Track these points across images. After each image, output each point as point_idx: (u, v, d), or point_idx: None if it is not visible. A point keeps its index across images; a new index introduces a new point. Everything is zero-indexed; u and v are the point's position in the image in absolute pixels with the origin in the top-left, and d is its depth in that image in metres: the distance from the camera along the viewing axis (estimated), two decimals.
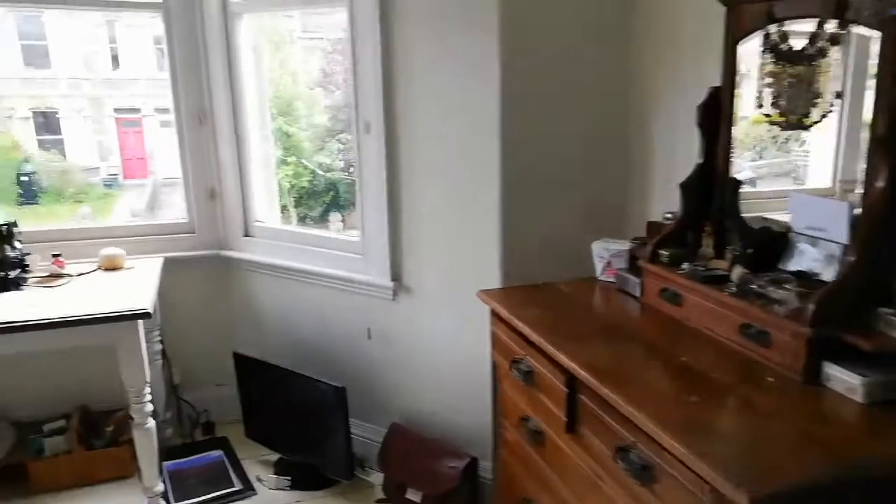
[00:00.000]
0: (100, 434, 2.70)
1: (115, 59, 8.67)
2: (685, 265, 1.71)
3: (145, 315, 2.11)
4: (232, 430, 2.98)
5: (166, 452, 2.73)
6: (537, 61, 2.08)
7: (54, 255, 2.61)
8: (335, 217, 4.00)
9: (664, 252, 1.77)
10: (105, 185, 8.36)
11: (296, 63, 3.97)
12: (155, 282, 2.45)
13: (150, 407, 2.24)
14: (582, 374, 1.42)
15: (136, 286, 2.36)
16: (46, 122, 8.51)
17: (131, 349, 2.15)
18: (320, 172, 4.01)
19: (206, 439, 2.99)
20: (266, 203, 2.97)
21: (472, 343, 2.28)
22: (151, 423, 2.26)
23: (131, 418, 2.24)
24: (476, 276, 2.18)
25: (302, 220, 3.81)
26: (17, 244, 2.40)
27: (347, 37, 2.37)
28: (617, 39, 2.16)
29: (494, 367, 1.98)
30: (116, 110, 8.46)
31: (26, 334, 2.02)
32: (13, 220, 2.41)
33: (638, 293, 1.85)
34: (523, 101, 2.08)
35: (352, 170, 4.01)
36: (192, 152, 2.87)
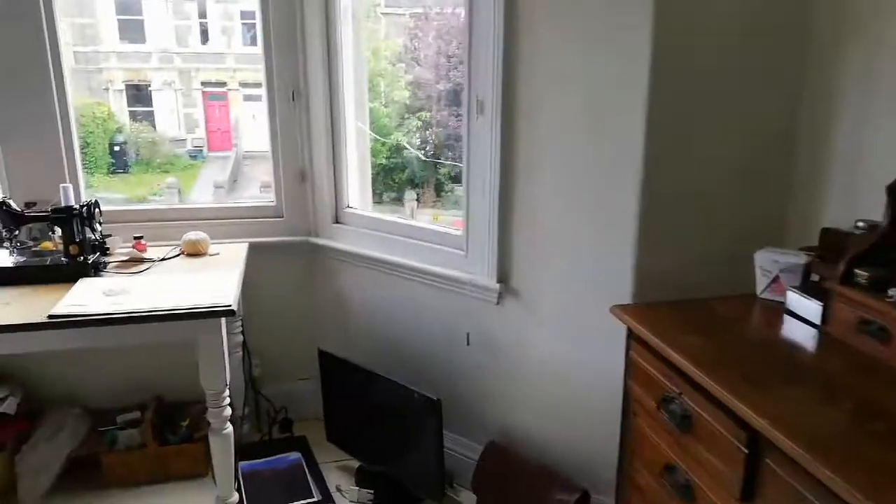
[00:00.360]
0: (175, 429, 2.53)
1: (204, 33, 8.74)
2: (893, 291, 1.34)
3: (229, 312, 1.89)
4: (311, 428, 2.77)
5: (242, 450, 2.55)
6: (694, 53, 1.71)
7: (136, 238, 2.44)
8: (409, 196, 3.79)
9: (862, 272, 1.41)
10: (190, 157, 8.49)
11: (379, 38, 3.76)
12: (239, 271, 2.24)
13: (228, 411, 2.04)
14: (776, 435, 1.08)
15: (219, 276, 2.15)
16: (138, 94, 8.74)
17: (212, 349, 1.94)
18: (412, 150, 3.76)
19: (284, 437, 2.79)
20: (358, 189, 2.73)
21: (590, 362, 1.96)
22: (229, 428, 2.05)
23: (208, 422, 2.04)
24: (601, 286, 1.86)
25: (378, 197, 3.56)
26: (98, 225, 2.23)
27: (465, 5, 2.07)
28: (789, 28, 1.77)
29: (628, 397, 1.66)
30: (204, 84, 8.54)
31: (98, 329, 1.83)
32: (95, 200, 2.23)
33: (818, 320, 1.50)
34: (675, 97, 1.72)
35: (427, 148, 3.73)
36: (283, 130, 2.64)
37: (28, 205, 2.48)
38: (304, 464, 2.63)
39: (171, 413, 2.61)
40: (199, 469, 2.51)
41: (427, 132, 3.54)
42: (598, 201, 1.86)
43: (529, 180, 2.04)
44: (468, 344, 2.32)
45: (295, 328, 2.82)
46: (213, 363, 1.95)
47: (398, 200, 3.63)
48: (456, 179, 3.19)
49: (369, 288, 2.61)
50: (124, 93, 8.86)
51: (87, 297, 1.95)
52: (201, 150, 8.69)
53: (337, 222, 2.70)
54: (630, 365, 1.61)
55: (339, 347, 2.57)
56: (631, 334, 1.60)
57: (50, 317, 1.81)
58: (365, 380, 2.41)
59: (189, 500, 2.41)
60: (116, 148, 7.90)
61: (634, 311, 1.63)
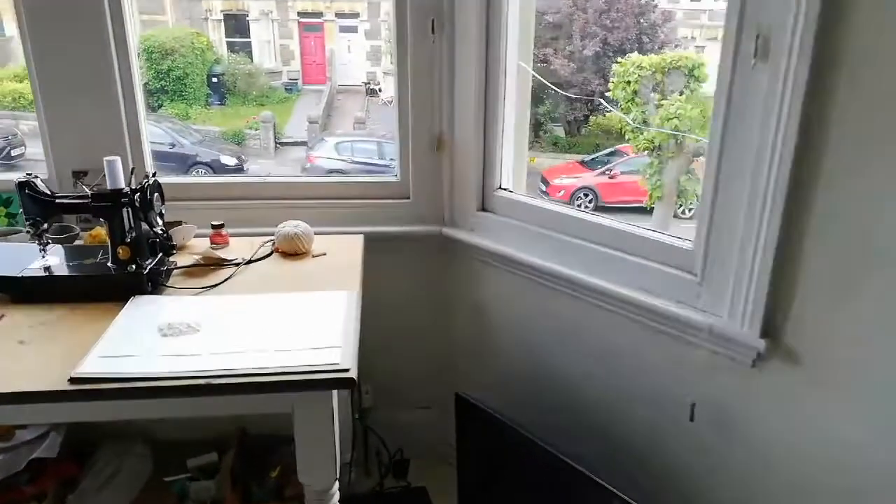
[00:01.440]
0: (261, 479, 1.90)
1: None
2: None
3: (347, 383, 1.17)
4: (432, 476, 2.11)
5: None
6: None
7: (214, 227, 1.76)
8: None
9: None
10: (286, 90, 8.06)
11: None
12: (356, 292, 1.52)
13: None
14: None
15: (328, 306, 1.43)
16: (236, 25, 8.44)
17: (316, 429, 1.24)
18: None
19: (401, 489, 2.13)
20: (512, 163, 1.93)
21: None
22: None
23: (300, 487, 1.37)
24: None
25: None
26: (158, 216, 1.54)
27: None
28: None
29: None
30: (300, 14, 7.92)
31: (144, 402, 1.16)
32: (154, 179, 1.54)
33: None
34: None
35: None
36: (415, 76, 1.86)
37: (77, 175, 1.83)
38: None
39: (257, 454, 1.98)
40: None
41: None
42: None
43: (853, 173, 1.19)
44: (692, 419, 1.53)
45: (416, 347, 2.12)
46: (316, 450, 1.26)
47: None
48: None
49: (528, 307, 1.85)
50: (222, 23, 8.53)
51: (134, 337, 1.28)
52: (296, 83, 8.22)
53: (483, 209, 1.93)
54: None
55: (478, 382, 1.85)
56: None
57: (72, 380, 1.15)
58: (524, 450, 1.67)
59: None
60: (214, 79, 7.48)
61: None
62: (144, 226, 1.51)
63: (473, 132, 1.85)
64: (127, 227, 1.47)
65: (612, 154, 5.07)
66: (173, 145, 6.02)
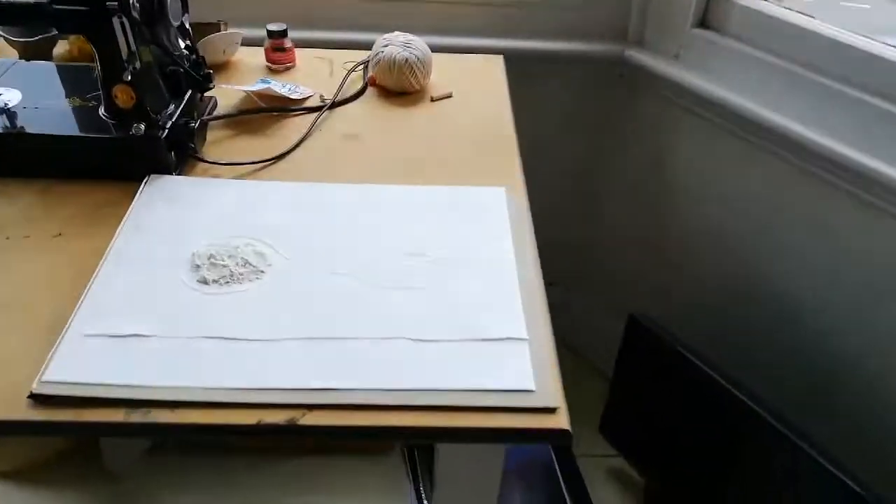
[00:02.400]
0: None
1: None
2: None
3: (562, 437, 0.60)
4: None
5: None
6: None
7: (272, 34, 1.08)
8: None
9: None
10: None
11: None
12: (515, 172, 0.88)
13: None
14: None
15: (480, 217, 0.81)
16: None
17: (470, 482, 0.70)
18: None
19: None
20: None
21: None
22: None
23: None
24: None
25: None
26: (179, 20, 0.87)
27: None
28: None
29: None
30: None
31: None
32: None
33: None
34: None
35: None
36: None
37: None
38: (553, 456, 1.53)
39: None
40: None
41: None
42: None
43: None
44: None
45: (563, 214, 1.51)
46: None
47: None
48: None
49: (749, 189, 1.20)
50: None
51: (147, 285, 0.70)
52: None
53: (703, 25, 1.19)
54: None
55: (651, 283, 1.28)
56: None
57: (34, 397, 0.59)
58: (723, 402, 1.14)
59: None
60: None
61: None
62: (157, 50, 0.85)
63: None
64: (125, 54, 0.81)
65: None
66: None
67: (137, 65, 0.82)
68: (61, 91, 0.93)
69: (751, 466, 1.17)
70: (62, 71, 0.98)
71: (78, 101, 0.90)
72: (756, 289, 1.25)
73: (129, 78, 0.81)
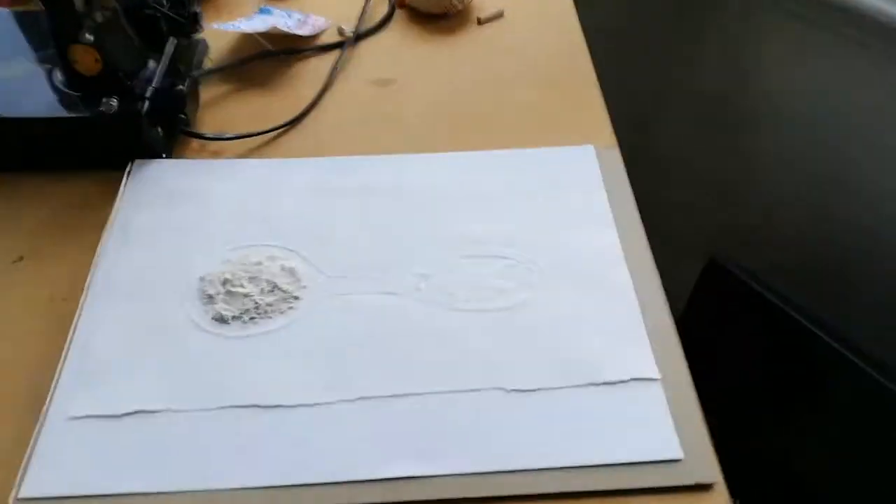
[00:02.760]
0: None
1: None
2: None
3: None
4: None
5: None
6: None
7: None
8: None
9: None
10: None
11: None
12: (604, 125, 0.68)
13: None
14: None
15: (570, 185, 0.63)
16: None
17: None
18: None
19: None
20: None
21: None
22: None
23: None
24: None
25: None
26: None
27: None
28: None
29: None
30: None
31: None
32: None
33: None
34: None
35: None
36: None
37: None
38: None
39: None
40: None
41: None
42: None
43: None
44: None
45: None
46: None
47: None
48: None
49: (856, 106, 0.99)
50: None
51: (139, 326, 0.53)
52: None
53: None
54: None
55: (727, 222, 1.10)
56: None
57: None
58: (812, 350, 0.99)
59: None
60: None
61: None
62: None
63: None
64: (79, 3, 0.60)
65: None
66: None
67: (99, 16, 0.61)
68: (1, 49, 0.72)
69: (841, 418, 1.04)
70: (1, 21, 0.76)
71: (27, 65, 0.69)
72: (854, 221, 1.06)
73: (91, 37, 0.60)
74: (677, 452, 0.46)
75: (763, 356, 1.15)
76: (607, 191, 0.62)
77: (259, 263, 0.56)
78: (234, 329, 0.53)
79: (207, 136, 0.68)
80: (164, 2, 0.67)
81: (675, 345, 0.51)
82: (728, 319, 1.19)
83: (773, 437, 1.14)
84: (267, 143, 0.69)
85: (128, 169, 0.64)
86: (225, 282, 0.55)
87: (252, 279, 0.55)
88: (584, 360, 0.50)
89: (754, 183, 1.18)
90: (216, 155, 0.67)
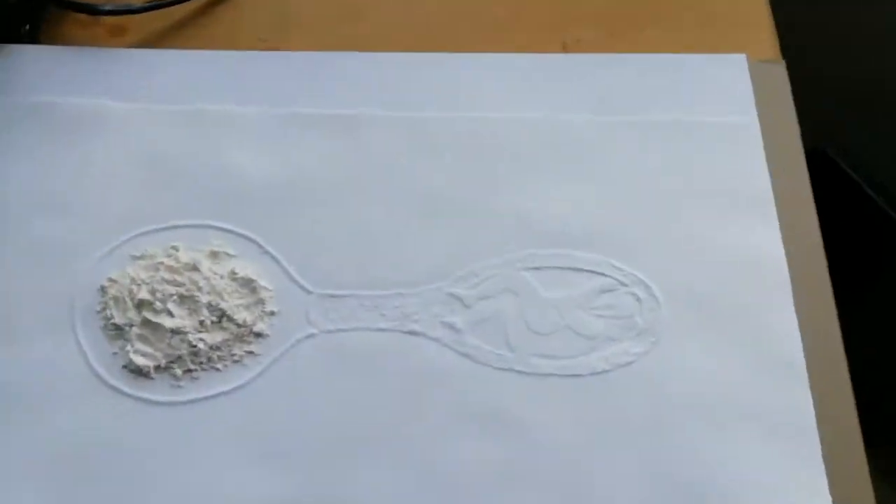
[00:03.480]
0: None
1: None
2: None
3: None
4: None
5: None
6: None
7: None
8: None
9: None
10: None
11: None
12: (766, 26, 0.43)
13: None
14: None
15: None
16: None
17: None
18: None
19: None
20: None
21: None
22: None
23: None
24: None
25: None
26: None
27: None
28: None
29: None
30: None
31: None
32: None
33: None
34: None
35: None
36: None
37: None
38: None
39: None
40: None
41: None
42: None
43: None
44: None
45: None
46: None
47: None
48: None
49: None
50: None
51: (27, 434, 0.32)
52: None
53: None
54: None
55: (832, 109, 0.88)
56: None
57: None
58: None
59: None
60: None
61: None
62: None
63: None
64: None
65: None
66: None
67: None
68: None
69: None
70: None
71: None
72: None
73: None
74: None
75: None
76: (764, 139, 0.38)
77: (193, 268, 0.34)
78: (162, 392, 0.32)
79: (104, 7, 0.41)
80: None
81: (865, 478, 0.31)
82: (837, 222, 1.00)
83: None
84: (197, 17, 0.42)
85: None
86: (141, 303, 0.33)
87: (184, 299, 0.33)
88: (728, 494, 0.31)
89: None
90: (114, 40, 0.41)
